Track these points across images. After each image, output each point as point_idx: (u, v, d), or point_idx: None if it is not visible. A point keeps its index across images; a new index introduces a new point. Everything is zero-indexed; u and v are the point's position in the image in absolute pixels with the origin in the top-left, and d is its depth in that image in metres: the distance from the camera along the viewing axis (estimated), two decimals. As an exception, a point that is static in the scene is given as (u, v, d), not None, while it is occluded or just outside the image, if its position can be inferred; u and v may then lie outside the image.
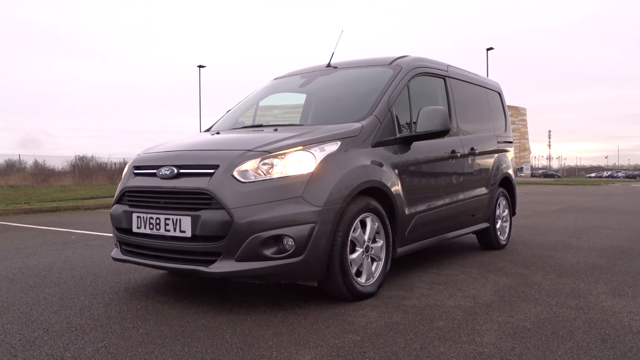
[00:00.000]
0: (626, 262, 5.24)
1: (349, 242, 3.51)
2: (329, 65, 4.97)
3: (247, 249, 3.20)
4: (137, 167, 3.84)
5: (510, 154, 6.49)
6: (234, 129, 4.58)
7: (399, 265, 4.78)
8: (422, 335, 2.89)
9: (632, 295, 3.85)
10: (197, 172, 3.42)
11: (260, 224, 3.20)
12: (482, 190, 5.57)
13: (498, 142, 6.07)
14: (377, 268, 3.80)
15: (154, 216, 3.49)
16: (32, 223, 9.39)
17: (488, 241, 5.87)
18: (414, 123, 4.28)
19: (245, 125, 4.61)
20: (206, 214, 3.26)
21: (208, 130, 4.92)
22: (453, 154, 4.87)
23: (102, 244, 6.50)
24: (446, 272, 4.67)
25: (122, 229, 3.74)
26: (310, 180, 3.34)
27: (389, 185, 3.88)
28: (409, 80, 4.45)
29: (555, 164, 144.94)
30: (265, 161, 3.36)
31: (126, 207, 3.72)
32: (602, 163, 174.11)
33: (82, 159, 48.89)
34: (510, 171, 6.34)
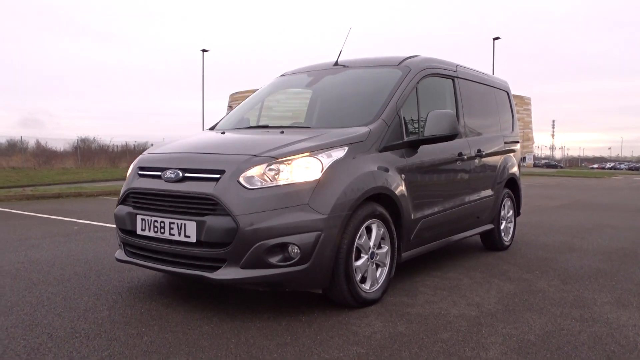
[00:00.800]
0: (630, 267, 5.22)
1: (354, 249, 3.49)
2: (336, 63, 4.90)
3: (252, 256, 3.18)
4: (141, 168, 3.81)
5: (517, 154, 6.44)
6: (239, 128, 4.54)
7: (403, 269, 4.77)
8: (426, 349, 2.88)
9: (637, 306, 3.84)
10: (202, 176, 3.40)
11: (266, 232, 3.18)
12: (488, 192, 5.54)
13: (505, 143, 6.02)
14: (381, 274, 3.79)
15: (159, 219, 3.47)
16: (35, 211, 9.40)
17: (492, 242, 5.86)
18: (422, 126, 4.24)
19: (251, 125, 4.56)
20: (211, 220, 3.24)
21: (213, 128, 4.88)
22: (460, 157, 4.83)
23: (104, 236, 6.50)
24: (450, 275, 4.66)
25: (126, 230, 3.72)
26: (316, 187, 3.31)
27: (395, 190, 3.85)
28: (417, 82, 4.40)
29: (558, 154, 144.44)
30: (272, 167, 3.33)
31: (130, 209, 3.70)
32: (605, 154, 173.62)
33: (84, 140, 48.77)
34: (516, 171, 6.30)
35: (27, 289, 3.97)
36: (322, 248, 3.27)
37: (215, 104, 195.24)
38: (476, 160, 5.19)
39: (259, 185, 3.27)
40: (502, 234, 5.93)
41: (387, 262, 3.82)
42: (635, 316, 3.59)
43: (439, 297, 3.95)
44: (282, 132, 3.94)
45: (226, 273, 3.22)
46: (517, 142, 6.51)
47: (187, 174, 3.46)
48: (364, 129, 3.82)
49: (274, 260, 3.22)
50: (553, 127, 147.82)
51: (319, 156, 3.43)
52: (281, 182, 3.29)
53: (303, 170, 3.35)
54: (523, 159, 70.62)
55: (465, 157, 4.93)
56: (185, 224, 3.34)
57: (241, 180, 3.27)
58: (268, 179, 3.30)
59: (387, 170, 3.82)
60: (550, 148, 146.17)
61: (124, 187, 3.88)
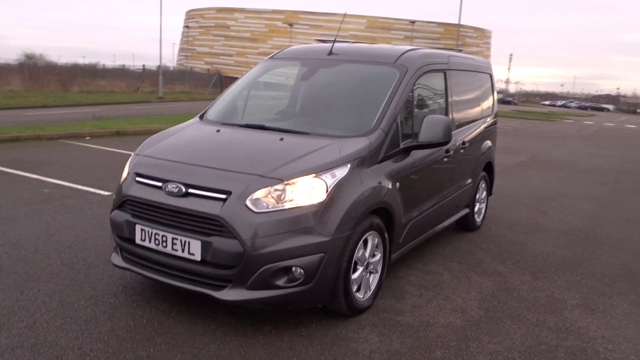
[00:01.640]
0: (591, 255, 5.61)
1: (352, 264, 3.62)
2: (330, 52, 4.78)
3: (258, 279, 3.26)
4: (140, 175, 3.73)
5: (495, 134, 6.60)
6: (233, 124, 4.41)
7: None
8: (423, 373, 3.11)
9: (602, 310, 4.20)
10: (207, 194, 3.38)
11: (273, 256, 3.25)
12: (468, 181, 5.72)
13: (485, 128, 6.15)
14: (373, 280, 3.95)
15: (160, 233, 3.47)
16: (-5, 161, 9.02)
17: (465, 224, 6.11)
18: (416, 129, 4.28)
19: (247, 123, 4.43)
20: (218, 242, 3.26)
21: (202, 117, 4.75)
22: (447, 154, 4.93)
23: (78, 205, 6.37)
24: (430, 268, 4.90)
25: (124, 237, 3.70)
26: (322, 210, 3.37)
27: (391, 202, 3.95)
28: (414, 83, 4.39)
29: (512, 89, 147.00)
30: (277, 187, 3.35)
31: (128, 217, 3.66)
32: (557, 90, 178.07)
33: (30, 57, 45.83)
34: (493, 153, 6.49)
35: (18, 288, 3.93)
36: (325, 268, 3.38)
37: (174, 20, 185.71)
38: (460, 152, 5.31)
39: (265, 208, 3.29)
40: (476, 216, 6.20)
41: (379, 268, 3.99)
42: (602, 324, 3.94)
43: (424, 299, 4.18)
44: (281, 140, 3.90)
45: (232, 294, 3.30)
46: (496, 122, 6.66)
47: (190, 190, 3.43)
48: (364, 142, 3.83)
49: (279, 282, 3.31)
50: (510, 61, 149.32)
51: (324, 177, 3.45)
52: (287, 205, 3.32)
53: (309, 190, 3.38)
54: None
55: (452, 152, 5.03)
56: (189, 242, 3.36)
57: (248, 203, 3.28)
58: (274, 201, 3.32)
59: (385, 182, 3.89)
60: (505, 82, 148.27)
61: (120, 190, 3.80)
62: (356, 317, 3.76)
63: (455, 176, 5.34)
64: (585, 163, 13.52)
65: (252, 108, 4.89)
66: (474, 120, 5.82)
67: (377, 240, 3.89)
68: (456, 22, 40.91)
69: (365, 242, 3.77)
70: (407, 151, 4.22)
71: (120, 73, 44.35)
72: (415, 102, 4.42)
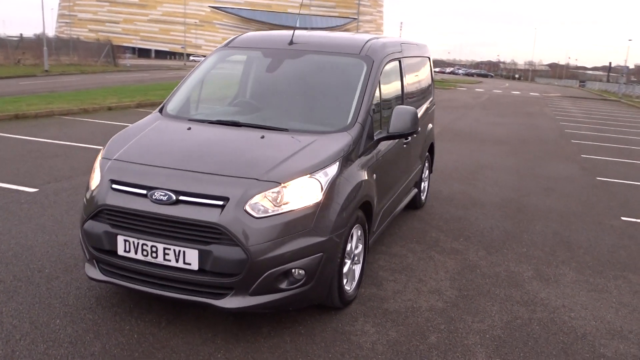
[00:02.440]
0: (527, 227, 6.13)
1: (344, 259, 3.67)
2: (291, 42, 4.69)
3: (261, 284, 3.22)
4: (116, 182, 3.47)
5: (434, 115, 6.88)
6: (202, 121, 4.19)
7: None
8: (428, 359, 3.28)
9: (555, 280, 4.63)
10: (202, 201, 3.24)
11: (276, 260, 3.21)
12: (418, 163, 5.95)
13: (428, 110, 6.39)
14: (356, 271, 4.04)
15: (149, 243, 3.29)
16: None
17: (413, 203, 6.37)
18: (384, 120, 4.36)
19: (220, 120, 4.23)
20: (219, 250, 3.16)
21: (161, 110, 4.48)
22: (406, 140, 5.08)
23: (5, 206, 5.79)
24: (393, 250, 5.08)
25: (103, 249, 3.45)
26: (318, 210, 3.36)
27: (373, 194, 4.03)
28: (380, 74, 4.45)
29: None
30: (274, 190, 3.29)
31: (107, 227, 3.42)
32: (445, 57, 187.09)
33: None
34: (434, 134, 6.78)
35: (-23, 311, 3.56)
36: (323, 267, 3.41)
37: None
38: (415, 137, 5.49)
39: (264, 212, 3.23)
40: (421, 194, 6.49)
41: (361, 259, 4.08)
42: (559, 293, 4.36)
43: (400, 284, 4.35)
44: (262, 137, 3.80)
45: (234, 301, 3.23)
46: (434, 104, 6.93)
47: (182, 197, 3.26)
48: (347, 138, 3.85)
49: (282, 285, 3.29)
50: (401, 29, 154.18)
51: (317, 176, 3.44)
52: (286, 208, 3.27)
53: (305, 192, 3.35)
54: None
55: (410, 138, 5.19)
56: (184, 251, 3.22)
57: (247, 208, 3.20)
58: (271, 204, 3.26)
59: (366, 175, 3.95)
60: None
61: (92, 199, 3.52)
62: (346, 309, 3.85)
63: (411, 160, 5.54)
64: (491, 133, 14.50)
65: (215, 101, 4.70)
66: (421, 105, 6.02)
67: (360, 232, 3.96)
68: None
69: (352, 236, 3.83)
70: (378, 142, 4.30)
71: (-7, 42, 40.14)
72: (381, 93, 4.49)
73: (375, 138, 4.19)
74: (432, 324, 3.73)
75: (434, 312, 3.91)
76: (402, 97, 5.19)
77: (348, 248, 3.74)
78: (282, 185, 3.30)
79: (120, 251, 3.38)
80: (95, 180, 3.62)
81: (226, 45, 4.99)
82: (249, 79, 4.92)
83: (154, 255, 3.29)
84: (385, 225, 4.93)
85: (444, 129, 14.50)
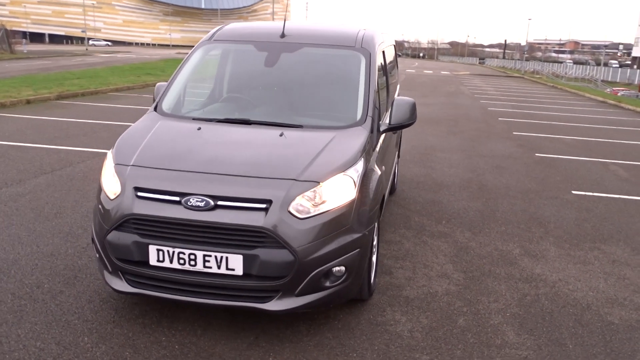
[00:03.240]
0: (496, 205, 6.51)
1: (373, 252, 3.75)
2: (283, 35, 4.61)
3: (308, 284, 3.21)
4: (141, 189, 3.29)
5: None
6: (210, 120, 4.04)
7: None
8: (466, 342, 3.45)
9: (542, 256, 4.99)
10: (243, 205, 3.16)
11: (321, 260, 3.21)
12: (396, 150, 6.11)
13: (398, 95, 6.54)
14: (374, 262, 4.13)
15: (186, 252, 3.17)
16: None
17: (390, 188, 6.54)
18: (382, 111, 4.45)
19: (228, 118, 4.09)
20: (265, 254, 3.11)
21: (156, 108, 4.26)
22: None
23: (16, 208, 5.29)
24: (387, 238, 5.23)
25: (131, 261, 3.28)
26: (354, 207, 3.40)
27: (386, 186, 4.11)
28: (376, 66, 4.51)
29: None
30: (313, 190, 3.28)
31: (136, 238, 3.24)
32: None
33: None
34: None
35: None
36: (361, 262, 3.46)
37: None
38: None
39: (307, 213, 3.21)
40: (395, 180, 6.68)
41: (376, 249, 4.17)
42: (551, 268, 4.71)
43: (409, 270, 4.50)
44: (282, 135, 3.75)
45: (282, 303, 3.20)
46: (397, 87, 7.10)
47: (220, 202, 3.16)
48: (364, 132, 3.88)
49: (326, 283, 3.30)
50: (307, 10, 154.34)
51: (350, 173, 3.46)
52: (325, 207, 3.27)
53: (341, 190, 3.36)
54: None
55: (397, 127, 5.31)
56: (226, 257, 3.14)
57: (292, 210, 3.17)
58: (311, 204, 3.25)
59: (381, 167, 4.03)
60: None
61: (114, 209, 3.31)
62: (370, 300, 3.93)
63: (393, 147, 5.67)
64: (424, 114, 15.04)
65: (213, 98, 4.54)
66: (395, 90, 6.16)
67: (376, 223, 4.04)
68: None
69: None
70: (381, 134, 4.38)
71: None
72: (378, 84, 4.56)
73: (381, 130, 4.26)
74: (454, 307, 3.91)
75: (451, 295, 4.09)
76: (387, 86, 5.29)
77: (375, 241, 3.81)
78: (321, 184, 3.30)
79: (153, 261, 3.23)
80: (113, 188, 3.40)
81: (210, 38, 4.81)
82: (242, 73, 4.77)
83: (192, 263, 3.18)
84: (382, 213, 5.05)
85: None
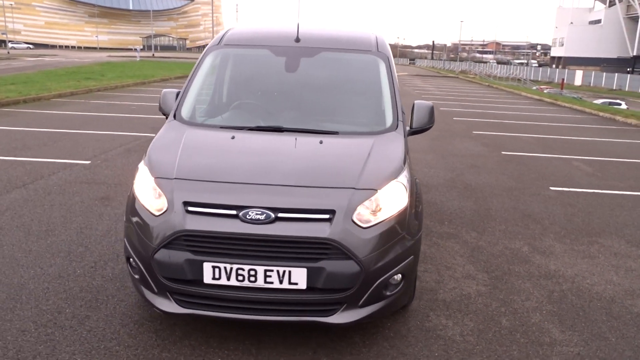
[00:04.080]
0: (487, 204, 6.68)
1: None
2: (297, 39, 4.50)
3: (371, 294, 3.14)
4: (191, 204, 3.10)
5: None
6: (241, 128, 3.87)
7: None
8: (517, 342, 3.49)
9: (550, 252, 5.15)
10: (305, 217, 3.04)
11: (384, 269, 3.15)
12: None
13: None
14: (412, 267, 4.11)
15: (246, 267, 3.01)
16: None
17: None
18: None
19: (260, 125, 3.92)
20: (331, 266, 3.01)
21: (176, 116, 4.04)
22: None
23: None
24: (400, 240, 5.22)
25: (183, 280, 3.08)
26: (408, 214, 3.36)
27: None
28: (395, 70, 4.50)
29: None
30: (372, 198, 3.21)
31: (189, 255, 3.04)
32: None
33: None
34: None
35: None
36: (414, 269, 3.43)
37: None
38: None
39: (367, 222, 3.14)
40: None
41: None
42: (564, 263, 4.87)
43: (434, 273, 4.51)
44: (321, 142, 3.65)
45: (346, 316, 3.11)
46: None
47: (280, 214, 3.03)
48: (400, 138, 3.86)
49: (387, 292, 3.25)
50: (237, 12, 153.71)
51: (401, 179, 3.42)
52: (384, 215, 3.21)
53: (396, 197, 3.32)
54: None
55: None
56: (289, 271, 3.01)
57: (355, 219, 3.08)
58: (370, 212, 3.18)
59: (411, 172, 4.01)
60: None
61: (161, 226, 3.10)
62: (409, 306, 3.91)
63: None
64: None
65: (234, 105, 4.35)
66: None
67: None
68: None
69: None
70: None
71: None
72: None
73: (407, 135, 4.25)
74: (492, 308, 3.96)
75: (484, 296, 4.14)
76: (394, 89, 5.29)
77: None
78: (377, 191, 3.24)
79: (208, 279, 3.05)
80: (156, 204, 3.18)
81: (219, 43, 4.62)
82: (262, 79, 4.58)
83: (252, 279, 3.02)
84: None
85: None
